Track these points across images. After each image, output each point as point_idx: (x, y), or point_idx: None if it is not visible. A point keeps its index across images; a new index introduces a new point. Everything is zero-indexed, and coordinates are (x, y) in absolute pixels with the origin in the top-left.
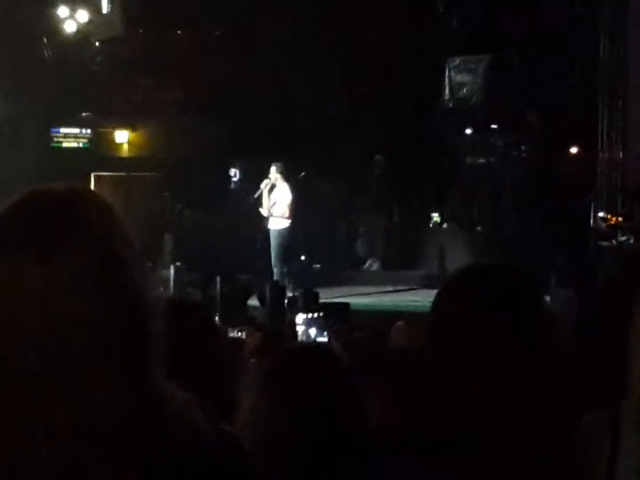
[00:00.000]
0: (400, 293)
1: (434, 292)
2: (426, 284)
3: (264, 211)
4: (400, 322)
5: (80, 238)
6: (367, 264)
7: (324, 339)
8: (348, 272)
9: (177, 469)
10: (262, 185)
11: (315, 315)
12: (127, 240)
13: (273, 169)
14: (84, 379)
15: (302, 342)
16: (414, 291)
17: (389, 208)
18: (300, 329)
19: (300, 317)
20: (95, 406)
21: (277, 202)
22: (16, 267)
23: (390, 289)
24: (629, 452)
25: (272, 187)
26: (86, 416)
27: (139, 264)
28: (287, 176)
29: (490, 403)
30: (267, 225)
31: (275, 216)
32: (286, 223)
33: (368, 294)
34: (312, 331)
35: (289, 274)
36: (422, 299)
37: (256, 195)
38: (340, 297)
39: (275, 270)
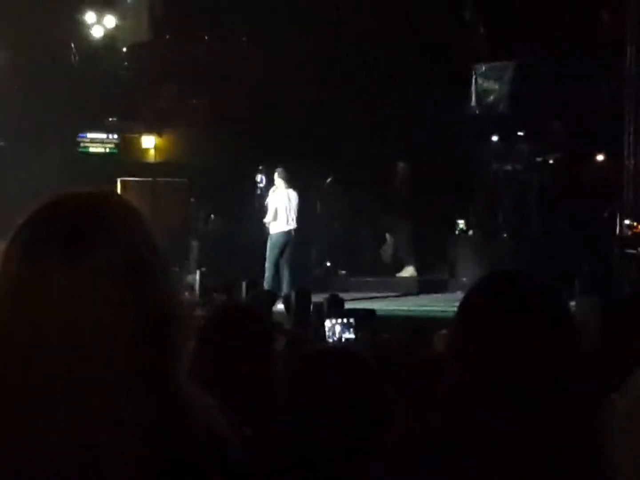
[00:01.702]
0: (425, 299)
1: (459, 299)
2: (451, 290)
3: (267, 219)
4: (443, 331)
5: (107, 241)
6: (392, 271)
7: (351, 335)
8: (373, 278)
9: (200, 475)
10: (271, 191)
11: (345, 320)
12: (153, 245)
13: (275, 175)
14: (109, 384)
15: (329, 345)
16: (439, 298)
17: (414, 215)
18: (328, 332)
19: (328, 323)
20: (120, 413)
21: (270, 207)
22: (42, 269)
23: (416, 295)
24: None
25: (274, 192)
26: (111, 424)
27: (164, 268)
28: (290, 181)
29: (512, 410)
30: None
31: (267, 221)
32: (279, 228)
33: (394, 301)
34: (338, 328)
35: (290, 279)
36: (447, 305)
37: (266, 203)
38: (366, 303)
39: (266, 274)
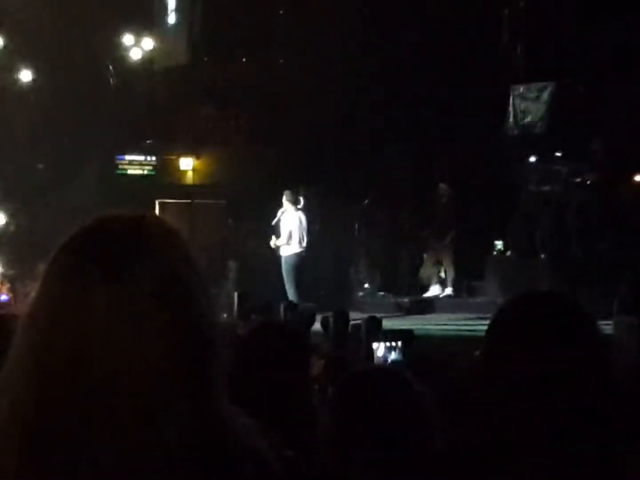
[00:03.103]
0: (464, 321)
1: None
2: (488, 311)
3: (280, 242)
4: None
5: (146, 262)
6: (429, 292)
7: (397, 357)
8: (411, 299)
9: None
10: (279, 214)
11: (389, 343)
12: (192, 265)
13: (284, 197)
14: (151, 403)
15: (372, 365)
16: (477, 319)
17: (452, 236)
18: (377, 353)
19: (375, 345)
20: (162, 431)
21: (289, 228)
22: (82, 290)
23: (454, 317)
24: None
25: (285, 213)
26: (154, 443)
27: (203, 289)
28: (296, 203)
29: (542, 429)
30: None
31: (281, 243)
32: (292, 250)
33: (431, 321)
34: (382, 350)
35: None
36: (483, 326)
37: (273, 223)
38: (404, 323)
39: (289, 293)
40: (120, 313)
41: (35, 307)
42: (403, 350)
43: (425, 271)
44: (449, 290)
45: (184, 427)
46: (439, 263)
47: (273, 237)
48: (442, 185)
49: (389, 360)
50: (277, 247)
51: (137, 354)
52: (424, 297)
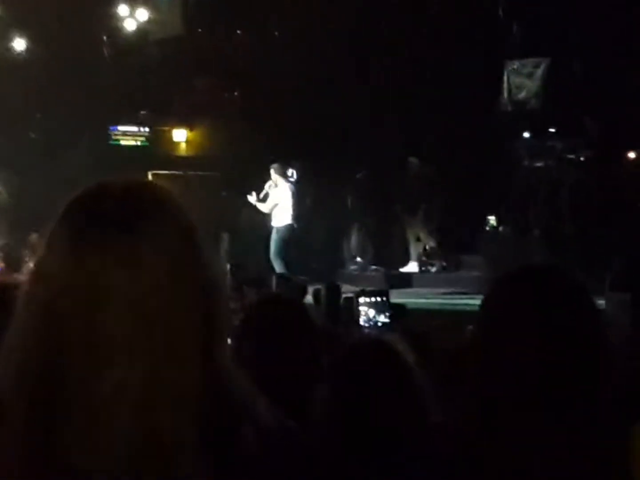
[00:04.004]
0: (456, 295)
1: None
2: (481, 286)
3: (263, 207)
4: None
5: (157, 218)
6: (410, 267)
7: (386, 320)
8: (403, 273)
9: (240, 456)
10: (266, 186)
11: (379, 298)
12: (197, 228)
13: (272, 170)
14: (168, 347)
15: (365, 337)
16: (468, 294)
17: (444, 211)
18: (362, 309)
19: (362, 299)
20: (183, 392)
21: (276, 201)
22: (97, 245)
23: (445, 291)
24: None
25: (275, 187)
26: (170, 384)
27: (209, 248)
28: (286, 176)
29: (535, 403)
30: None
31: (275, 214)
32: (285, 221)
33: (424, 295)
34: (372, 312)
35: (288, 268)
36: (476, 300)
37: (262, 196)
38: (397, 297)
39: (275, 264)
40: (139, 263)
41: (45, 269)
42: (392, 315)
43: (412, 246)
44: (435, 265)
45: (197, 375)
46: (429, 238)
47: (254, 194)
48: (411, 160)
49: (379, 323)
50: (257, 206)
51: (157, 301)
52: (413, 272)
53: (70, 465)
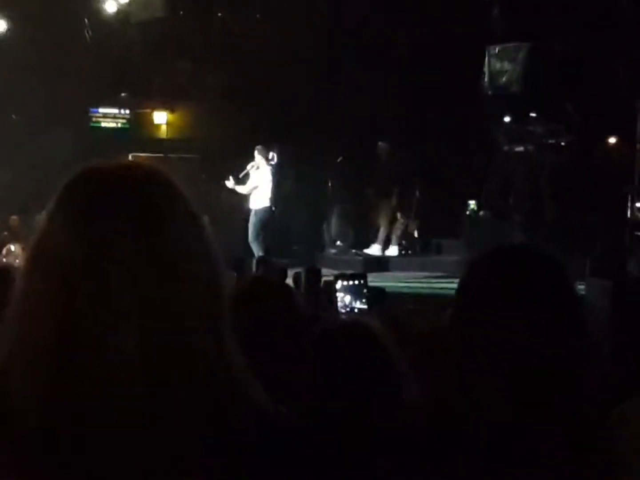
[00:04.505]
0: (434, 278)
1: None
2: (461, 270)
3: (242, 189)
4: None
5: (165, 199)
6: (403, 250)
7: (362, 306)
8: (384, 257)
9: (240, 438)
10: (248, 167)
11: (356, 282)
12: (196, 208)
13: (256, 152)
14: (179, 337)
15: (341, 320)
16: (447, 277)
17: (423, 195)
18: (339, 295)
19: (339, 284)
20: (194, 370)
21: (256, 183)
22: (108, 229)
23: (425, 273)
24: None
25: (257, 169)
26: (184, 365)
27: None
28: (268, 159)
29: (513, 382)
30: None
31: (254, 197)
32: (263, 203)
33: (403, 279)
34: (347, 298)
35: (268, 252)
36: (455, 284)
37: (241, 175)
38: (376, 281)
39: (253, 247)
40: (150, 244)
41: (50, 244)
42: (370, 300)
43: (381, 230)
44: (414, 248)
45: (213, 363)
46: (410, 222)
47: (231, 178)
48: (381, 144)
49: (356, 309)
50: (236, 189)
51: (173, 284)
52: (392, 255)
53: (81, 435)
